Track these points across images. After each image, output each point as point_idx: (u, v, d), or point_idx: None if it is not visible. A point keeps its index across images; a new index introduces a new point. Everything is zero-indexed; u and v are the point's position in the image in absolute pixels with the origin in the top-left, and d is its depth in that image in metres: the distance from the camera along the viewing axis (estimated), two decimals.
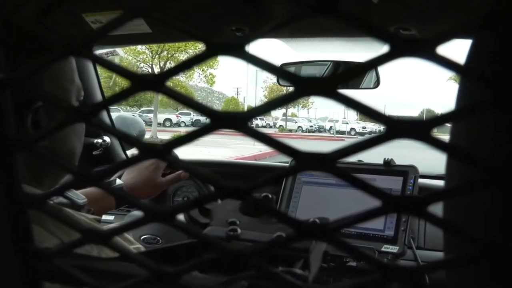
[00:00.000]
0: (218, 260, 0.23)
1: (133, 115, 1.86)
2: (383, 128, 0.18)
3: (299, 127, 34.11)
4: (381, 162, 1.29)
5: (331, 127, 32.91)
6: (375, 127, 37.55)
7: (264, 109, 0.19)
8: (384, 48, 0.19)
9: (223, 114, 0.20)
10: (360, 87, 1.41)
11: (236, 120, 0.19)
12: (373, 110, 0.18)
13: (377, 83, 1.39)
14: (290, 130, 32.68)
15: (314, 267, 0.36)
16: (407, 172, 1.25)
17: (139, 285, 0.25)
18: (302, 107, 43.35)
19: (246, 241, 0.37)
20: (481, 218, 0.29)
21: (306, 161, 0.18)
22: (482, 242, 0.19)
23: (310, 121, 37.78)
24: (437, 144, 0.18)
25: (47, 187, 0.69)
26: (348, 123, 34.09)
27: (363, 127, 33.51)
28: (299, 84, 0.18)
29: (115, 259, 0.32)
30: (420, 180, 1.26)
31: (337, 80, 0.18)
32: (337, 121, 34.63)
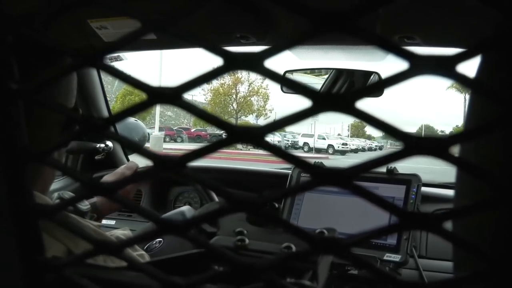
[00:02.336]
0: (229, 274, 0.23)
1: (135, 120, 1.85)
2: (401, 145, 0.18)
3: None
4: (384, 170, 1.28)
5: (305, 143, 28.27)
6: (362, 144, 32.70)
7: (280, 123, 0.19)
8: (398, 62, 0.19)
9: (240, 129, 0.20)
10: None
11: (253, 135, 0.19)
12: (392, 127, 0.18)
13: (381, 92, 1.38)
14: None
15: (322, 279, 0.36)
16: (410, 180, 1.24)
17: None
18: (256, 116, 35.08)
19: (255, 252, 0.37)
20: (490, 233, 0.29)
21: (323, 177, 0.18)
22: (495, 260, 0.19)
23: (285, 136, 30.07)
24: (456, 162, 0.18)
25: (46, 191, 0.69)
26: (325, 139, 28.58)
27: (343, 144, 28.36)
28: (317, 99, 0.18)
29: (123, 269, 0.32)
30: (423, 189, 1.25)
31: (356, 96, 0.18)
32: (312, 135, 29.38)
